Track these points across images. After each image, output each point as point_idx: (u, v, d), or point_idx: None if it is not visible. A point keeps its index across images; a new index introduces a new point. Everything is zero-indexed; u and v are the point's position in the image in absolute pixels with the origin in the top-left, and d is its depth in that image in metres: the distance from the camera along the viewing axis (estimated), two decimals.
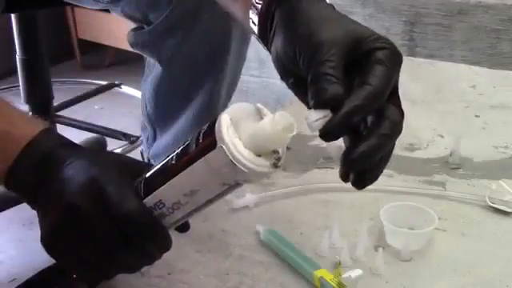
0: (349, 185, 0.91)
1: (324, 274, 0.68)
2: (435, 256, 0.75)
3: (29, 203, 0.62)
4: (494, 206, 0.84)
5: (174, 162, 0.55)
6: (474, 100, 1.17)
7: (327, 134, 0.55)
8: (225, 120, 0.51)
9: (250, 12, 0.66)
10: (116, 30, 2.48)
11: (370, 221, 0.81)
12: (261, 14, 0.64)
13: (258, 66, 2.12)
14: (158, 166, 0.57)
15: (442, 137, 1.05)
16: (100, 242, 0.57)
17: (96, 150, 0.65)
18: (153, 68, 1.11)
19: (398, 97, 0.59)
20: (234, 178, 0.53)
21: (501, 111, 1.13)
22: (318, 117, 0.54)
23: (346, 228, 0.78)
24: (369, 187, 0.88)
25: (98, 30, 2.67)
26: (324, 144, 0.98)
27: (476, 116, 1.12)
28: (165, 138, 1.14)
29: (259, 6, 0.64)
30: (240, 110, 0.53)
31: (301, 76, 0.59)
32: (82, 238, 0.57)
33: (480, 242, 0.78)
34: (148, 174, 0.58)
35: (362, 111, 0.56)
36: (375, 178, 0.60)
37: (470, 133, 1.05)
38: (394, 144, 0.60)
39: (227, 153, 0.50)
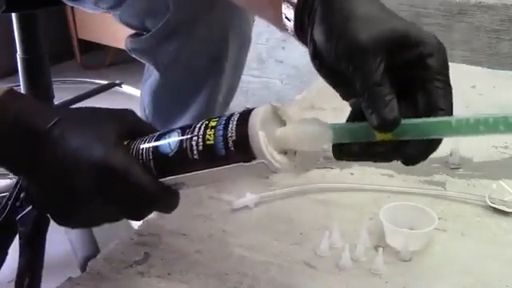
0: (349, 185, 0.91)
1: None
2: (435, 256, 0.75)
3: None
4: (493, 206, 0.84)
5: (196, 156, 0.57)
6: (473, 100, 1.17)
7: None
8: (262, 138, 0.54)
9: (283, 7, 0.64)
10: (116, 30, 2.47)
11: (370, 221, 0.81)
12: (297, 8, 0.63)
13: (258, 65, 2.12)
14: (172, 151, 0.58)
15: None
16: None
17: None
18: (152, 72, 1.11)
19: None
20: (262, 174, 0.57)
21: (501, 111, 1.12)
22: None
23: (345, 228, 0.78)
24: (369, 187, 0.89)
25: (98, 30, 2.67)
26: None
27: None
28: None
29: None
30: (264, 115, 0.55)
31: (338, 70, 0.59)
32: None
33: (480, 242, 0.78)
34: (159, 153, 0.59)
35: None
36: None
37: None
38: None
39: (268, 166, 0.54)
